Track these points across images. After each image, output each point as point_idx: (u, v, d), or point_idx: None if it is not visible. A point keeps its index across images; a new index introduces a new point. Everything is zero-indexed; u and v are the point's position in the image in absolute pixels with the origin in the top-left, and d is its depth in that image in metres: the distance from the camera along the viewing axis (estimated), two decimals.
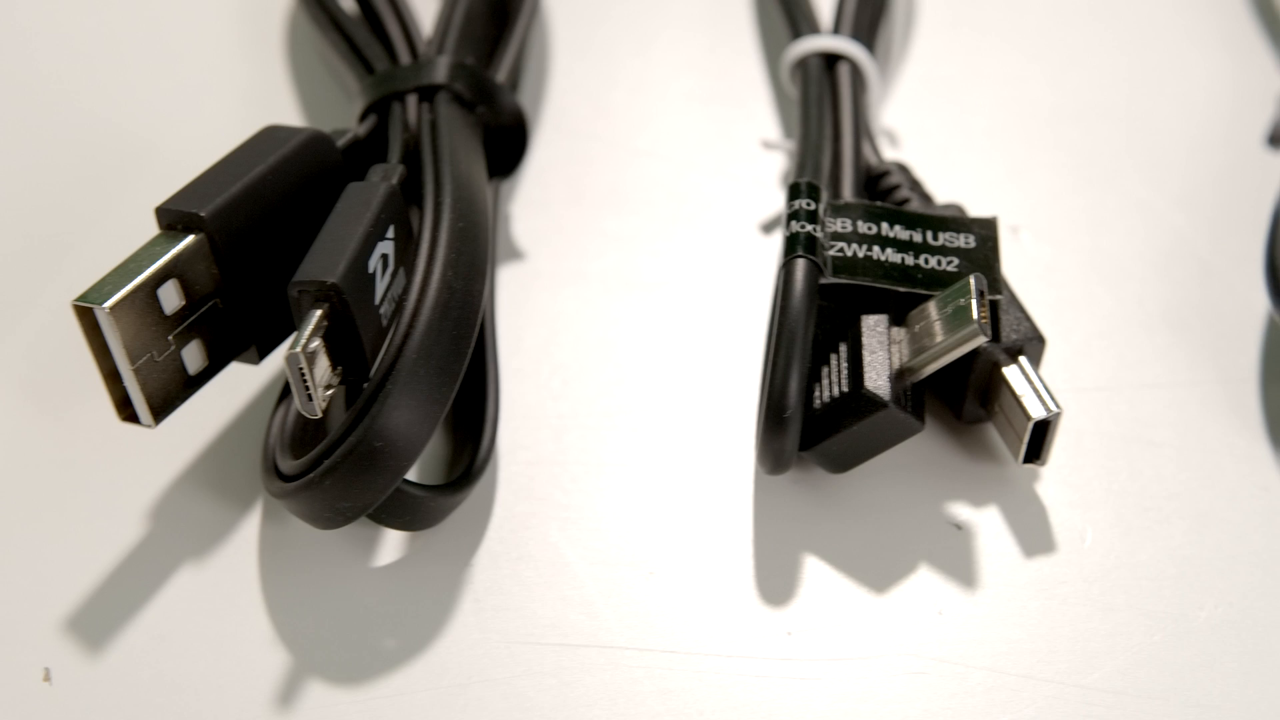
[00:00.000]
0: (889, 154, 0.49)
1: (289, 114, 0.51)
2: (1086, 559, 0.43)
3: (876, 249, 0.43)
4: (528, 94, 0.52)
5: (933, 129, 0.50)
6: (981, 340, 0.41)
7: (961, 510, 0.43)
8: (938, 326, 0.42)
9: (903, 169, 0.47)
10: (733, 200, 0.48)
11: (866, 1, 0.50)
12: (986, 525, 0.43)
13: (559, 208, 0.49)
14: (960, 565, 0.42)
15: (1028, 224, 0.48)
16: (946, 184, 0.48)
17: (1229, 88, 0.51)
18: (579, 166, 0.50)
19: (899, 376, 0.42)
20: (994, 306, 0.43)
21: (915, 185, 0.47)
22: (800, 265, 0.42)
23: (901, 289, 0.43)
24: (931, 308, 0.42)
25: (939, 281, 0.43)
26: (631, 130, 0.51)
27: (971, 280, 0.42)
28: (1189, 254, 0.48)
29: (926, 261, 0.43)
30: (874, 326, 0.43)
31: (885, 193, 0.46)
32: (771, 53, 0.52)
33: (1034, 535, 0.43)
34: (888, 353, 0.42)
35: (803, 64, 0.48)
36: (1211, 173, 0.49)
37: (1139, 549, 0.43)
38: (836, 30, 0.49)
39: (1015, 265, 0.47)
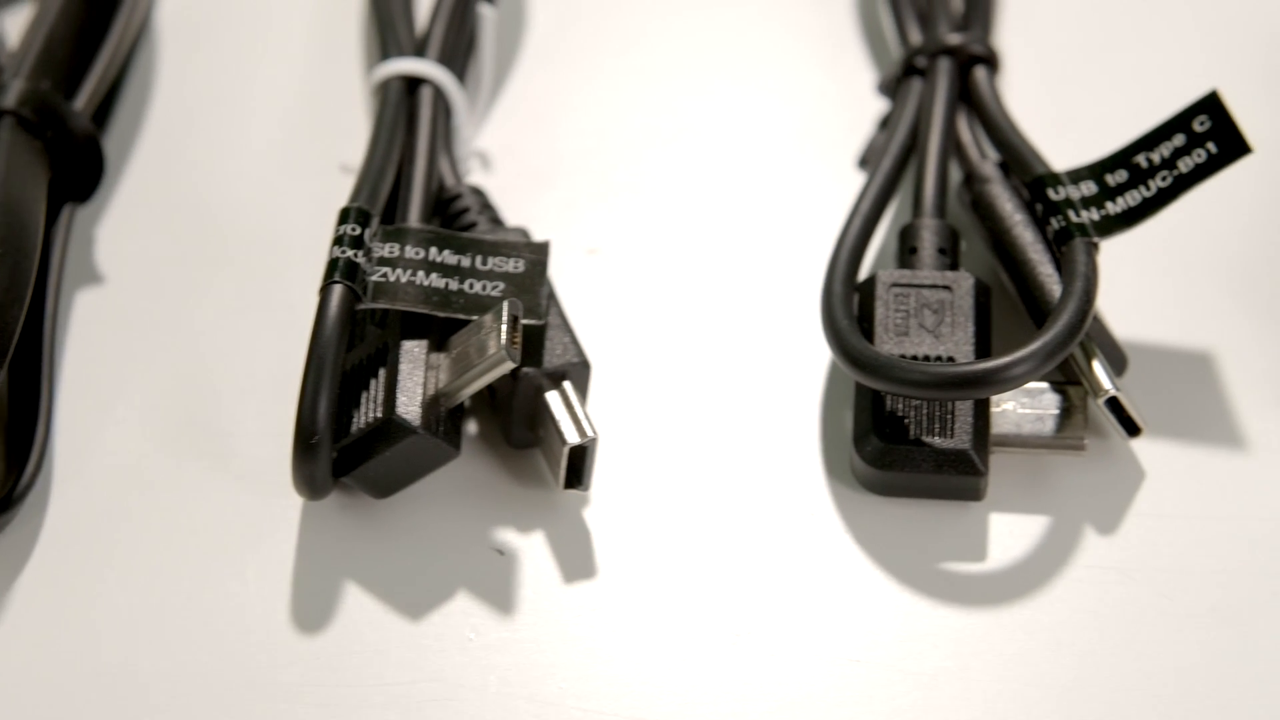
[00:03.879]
0: (479, 178, 0.51)
1: None
2: (628, 583, 0.45)
3: (421, 274, 0.45)
4: (127, 117, 0.53)
5: (528, 152, 0.52)
6: (508, 366, 0.43)
7: (506, 536, 0.45)
8: (472, 352, 0.44)
9: (476, 193, 0.49)
10: (320, 225, 0.50)
11: (456, 24, 0.51)
12: (530, 551, 0.45)
13: (145, 233, 0.51)
14: (498, 591, 0.44)
15: (608, 246, 0.50)
16: (535, 208, 0.51)
17: (829, 109, 0.53)
18: (170, 190, 0.52)
19: (433, 402, 0.44)
20: (529, 332, 0.44)
21: (486, 209, 0.48)
22: (335, 291, 0.44)
23: (441, 314, 0.45)
24: (468, 333, 0.44)
25: (481, 306, 0.45)
26: (228, 152, 0.53)
27: (505, 306, 0.44)
28: (771, 277, 0.50)
29: (471, 286, 0.45)
30: (411, 351, 0.44)
31: (455, 216, 0.48)
32: None
33: (576, 560, 0.45)
34: (423, 378, 0.44)
35: (385, 86, 0.50)
36: (802, 194, 0.51)
37: (685, 573, 0.45)
38: (422, 53, 0.51)
39: (589, 288, 0.49)
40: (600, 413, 0.47)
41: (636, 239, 0.51)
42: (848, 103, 0.54)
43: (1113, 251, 0.48)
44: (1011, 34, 0.55)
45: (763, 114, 0.54)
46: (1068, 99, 0.54)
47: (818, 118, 0.54)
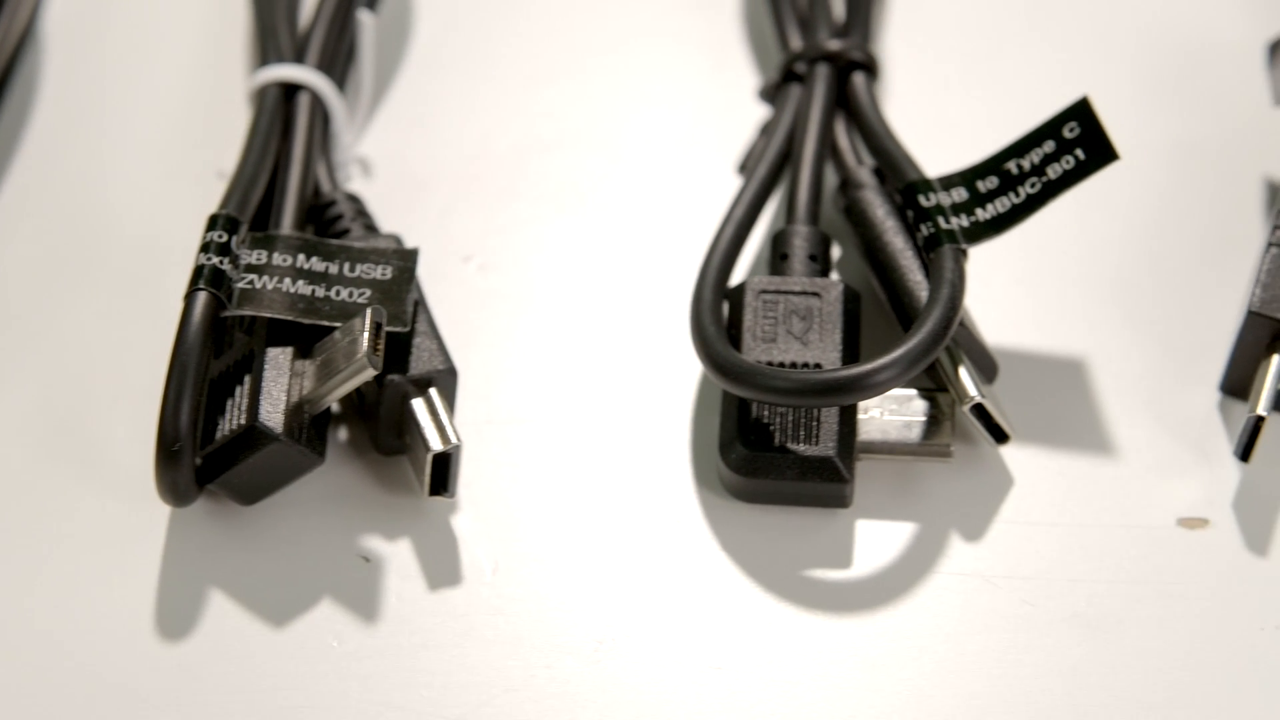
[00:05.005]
0: (359, 185, 0.51)
1: None
2: (491, 591, 0.45)
3: (287, 281, 0.45)
4: (9, 123, 0.53)
5: (409, 159, 0.53)
6: (370, 373, 0.43)
7: (372, 542, 0.45)
8: (335, 358, 0.44)
9: (351, 199, 0.49)
10: (198, 231, 0.50)
11: (335, 31, 0.52)
12: (396, 558, 0.45)
13: (22, 239, 0.52)
14: (363, 598, 0.45)
15: (482, 254, 0.50)
16: (413, 214, 0.51)
17: (712, 115, 0.54)
18: (49, 196, 0.53)
19: (297, 409, 0.44)
20: (395, 339, 0.45)
21: (360, 215, 0.49)
22: (199, 298, 0.44)
23: (306, 321, 0.45)
24: (332, 340, 0.44)
25: (347, 313, 0.45)
26: (109, 158, 0.53)
27: (368, 312, 0.44)
28: (649, 285, 0.50)
29: (338, 294, 0.45)
30: (276, 358, 0.45)
31: (329, 223, 0.48)
32: None
33: (442, 567, 0.45)
34: (288, 385, 0.44)
35: (262, 92, 0.50)
36: (683, 201, 0.52)
37: (550, 580, 0.45)
38: (300, 60, 0.51)
39: (463, 296, 0.49)
40: (470, 419, 0.47)
41: (513, 246, 0.51)
42: (731, 109, 0.54)
43: (988, 258, 0.48)
44: (897, 40, 0.55)
45: (645, 121, 0.54)
46: (954, 105, 0.55)
47: (700, 124, 0.54)
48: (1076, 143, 0.47)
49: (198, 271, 0.45)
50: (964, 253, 0.47)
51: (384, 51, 0.55)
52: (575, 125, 0.54)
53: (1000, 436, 0.46)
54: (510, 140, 0.54)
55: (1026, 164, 0.47)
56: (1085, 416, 0.48)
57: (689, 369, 0.48)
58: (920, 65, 0.55)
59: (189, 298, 0.45)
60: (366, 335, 0.44)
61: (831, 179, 0.51)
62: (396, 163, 0.53)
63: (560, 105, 0.54)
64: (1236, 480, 0.47)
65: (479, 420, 0.48)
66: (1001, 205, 0.47)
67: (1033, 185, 0.47)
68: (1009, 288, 0.50)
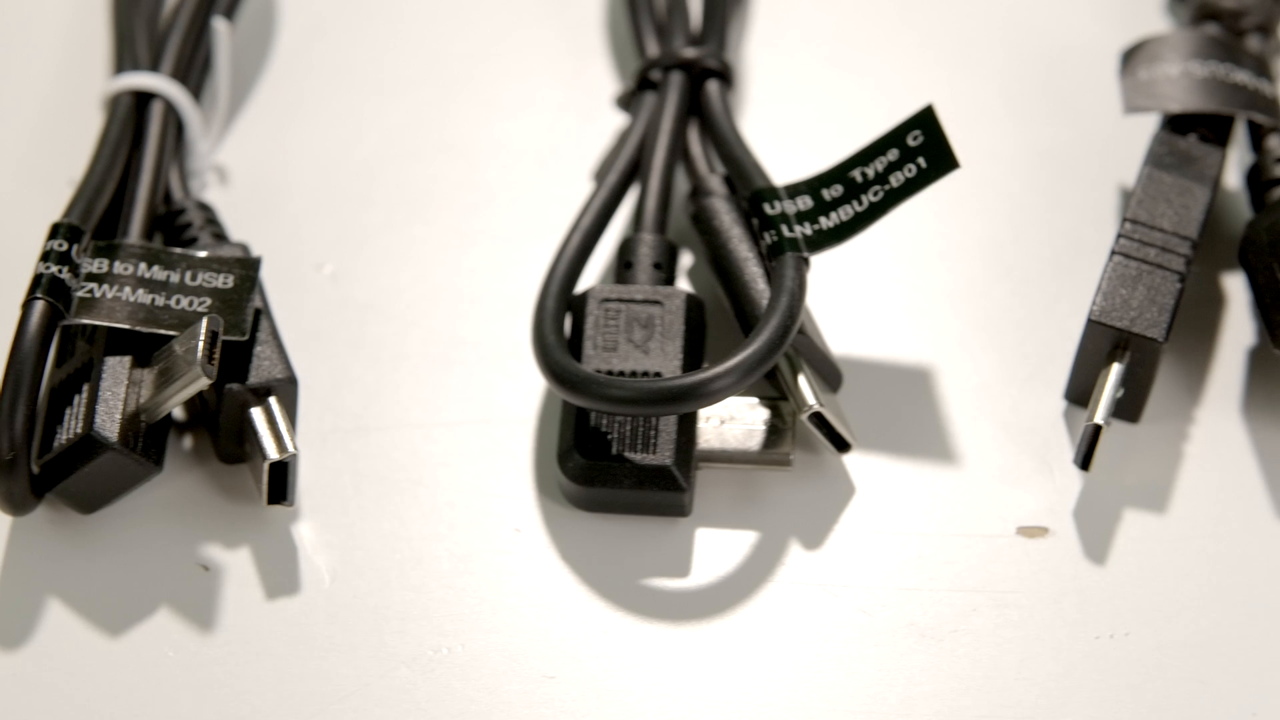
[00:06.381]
0: (215, 193, 0.52)
1: None
2: (328, 600, 0.45)
3: (128, 290, 0.46)
4: None
5: (266, 167, 0.53)
6: (204, 382, 0.44)
7: (212, 551, 0.46)
8: (171, 367, 0.44)
9: (202, 207, 0.49)
10: None
11: (191, 39, 0.52)
12: (235, 566, 0.46)
13: None
14: (200, 607, 0.45)
15: (335, 262, 0.51)
16: (268, 223, 0.51)
17: (570, 123, 0.54)
18: None
19: (133, 418, 0.44)
20: (236, 347, 0.45)
21: (209, 224, 0.49)
22: (35, 307, 0.45)
23: (145, 330, 0.45)
24: (169, 349, 0.45)
25: (186, 322, 0.46)
26: None
27: (204, 321, 0.44)
28: (500, 294, 0.50)
29: (178, 302, 0.46)
30: (114, 367, 0.45)
31: (178, 231, 0.49)
32: None
33: (280, 576, 0.46)
34: (124, 394, 0.44)
35: (115, 100, 0.50)
36: (539, 210, 0.52)
37: (389, 588, 0.45)
38: (155, 68, 0.51)
39: (314, 304, 0.50)
40: (314, 427, 0.48)
41: (366, 254, 0.52)
42: (589, 116, 0.54)
43: (836, 266, 0.49)
44: (757, 47, 0.55)
45: (503, 129, 0.54)
46: (813, 113, 0.55)
47: (558, 132, 0.54)
48: (919, 151, 0.47)
49: (36, 280, 0.46)
50: (806, 261, 0.47)
51: (242, 60, 0.55)
52: (432, 133, 0.54)
53: (841, 445, 0.47)
54: (366, 148, 0.54)
55: (871, 172, 0.47)
56: (930, 425, 0.48)
57: (534, 378, 0.48)
58: (779, 73, 0.55)
59: (26, 306, 0.45)
60: (201, 344, 0.44)
61: (685, 187, 0.51)
62: (252, 171, 0.53)
63: (417, 113, 0.55)
64: (1077, 489, 0.47)
65: (324, 428, 0.48)
66: (845, 213, 0.47)
67: (876, 193, 0.47)
68: (857, 295, 0.50)
